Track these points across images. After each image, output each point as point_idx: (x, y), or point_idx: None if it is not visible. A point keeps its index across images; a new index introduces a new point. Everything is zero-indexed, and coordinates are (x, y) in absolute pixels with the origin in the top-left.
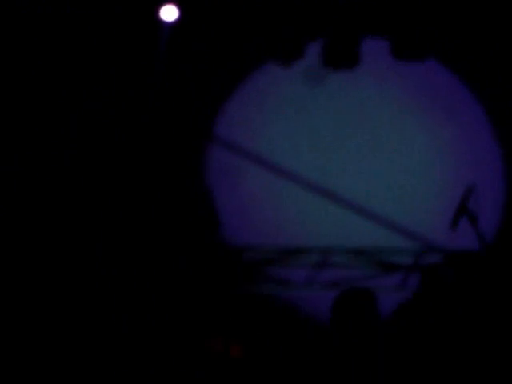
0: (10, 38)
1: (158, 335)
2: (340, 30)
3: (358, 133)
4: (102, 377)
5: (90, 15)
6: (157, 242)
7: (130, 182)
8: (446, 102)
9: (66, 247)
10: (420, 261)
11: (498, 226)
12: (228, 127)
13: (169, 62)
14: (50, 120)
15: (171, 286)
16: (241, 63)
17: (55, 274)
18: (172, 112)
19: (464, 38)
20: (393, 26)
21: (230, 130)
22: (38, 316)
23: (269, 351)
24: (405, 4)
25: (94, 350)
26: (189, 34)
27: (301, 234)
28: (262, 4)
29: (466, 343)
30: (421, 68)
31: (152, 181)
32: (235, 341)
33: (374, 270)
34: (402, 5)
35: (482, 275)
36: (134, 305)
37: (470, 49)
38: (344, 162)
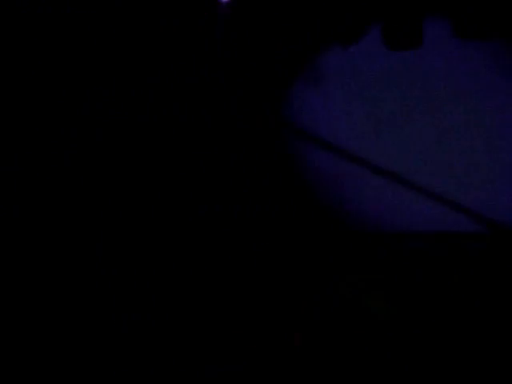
0: (20, 36)
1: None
2: (402, 9)
3: (423, 115)
4: (103, 377)
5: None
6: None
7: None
8: None
9: (75, 246)
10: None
11: None
12: (292, 111)
13: (228, 44)
14: (55, 119)
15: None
16: (301, 46)
17: (56, 274)
18: (234, 97)
19: None
20: (456, 4)
21: (294, 114)
22: (38, 316)
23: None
24: None
25: (94, 350)
26: (244, 15)
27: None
28: None
29: None
30: (486, 48)
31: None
32: (297, 329)
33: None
34: None
35: None
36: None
37: None
38: (413, 146)
